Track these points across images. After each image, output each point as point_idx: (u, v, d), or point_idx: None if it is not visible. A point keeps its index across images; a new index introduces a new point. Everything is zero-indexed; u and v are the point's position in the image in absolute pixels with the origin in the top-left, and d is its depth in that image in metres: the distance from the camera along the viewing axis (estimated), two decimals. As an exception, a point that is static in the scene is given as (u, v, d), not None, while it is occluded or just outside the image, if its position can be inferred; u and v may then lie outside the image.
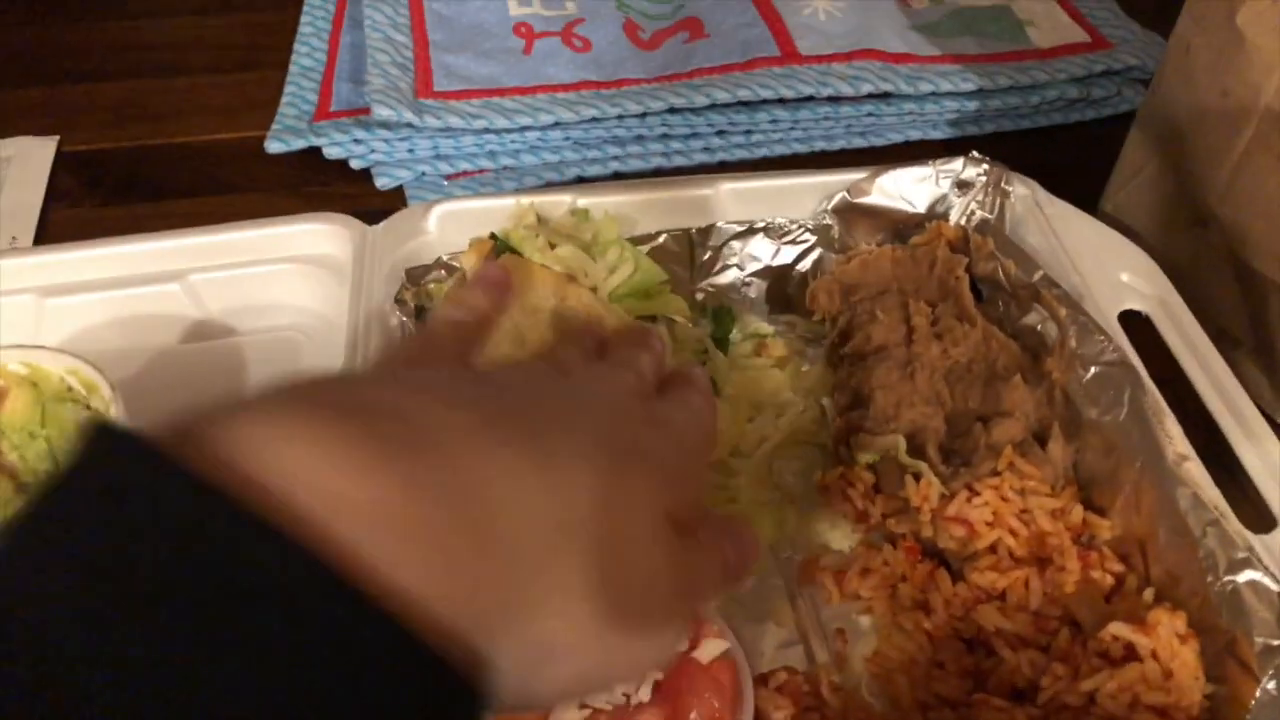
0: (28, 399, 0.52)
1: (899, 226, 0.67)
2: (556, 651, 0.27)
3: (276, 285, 0.66)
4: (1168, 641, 0.45)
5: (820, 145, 0.80)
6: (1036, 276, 0.60)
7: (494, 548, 0.26)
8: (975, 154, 0.67)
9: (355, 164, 0.78)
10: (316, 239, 0.66)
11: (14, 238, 0.76)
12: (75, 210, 0.79)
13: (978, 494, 0.53)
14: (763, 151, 0.80)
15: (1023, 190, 0.66)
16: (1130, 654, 0.45)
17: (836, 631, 0.54)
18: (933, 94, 0.79)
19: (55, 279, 0.66)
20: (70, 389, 0.53)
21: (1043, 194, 0.66)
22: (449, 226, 0.65)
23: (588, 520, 0.28)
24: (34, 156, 0.82)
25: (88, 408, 0.52)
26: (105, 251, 0.67)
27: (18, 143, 0.83)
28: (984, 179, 0.66)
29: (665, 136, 0.78)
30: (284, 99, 0.83)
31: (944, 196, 0.66)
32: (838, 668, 0.52)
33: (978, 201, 0.66)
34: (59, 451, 0.52)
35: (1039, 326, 0.59)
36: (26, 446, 0.51)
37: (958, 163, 0.66)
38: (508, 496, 0.26)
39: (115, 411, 0.51)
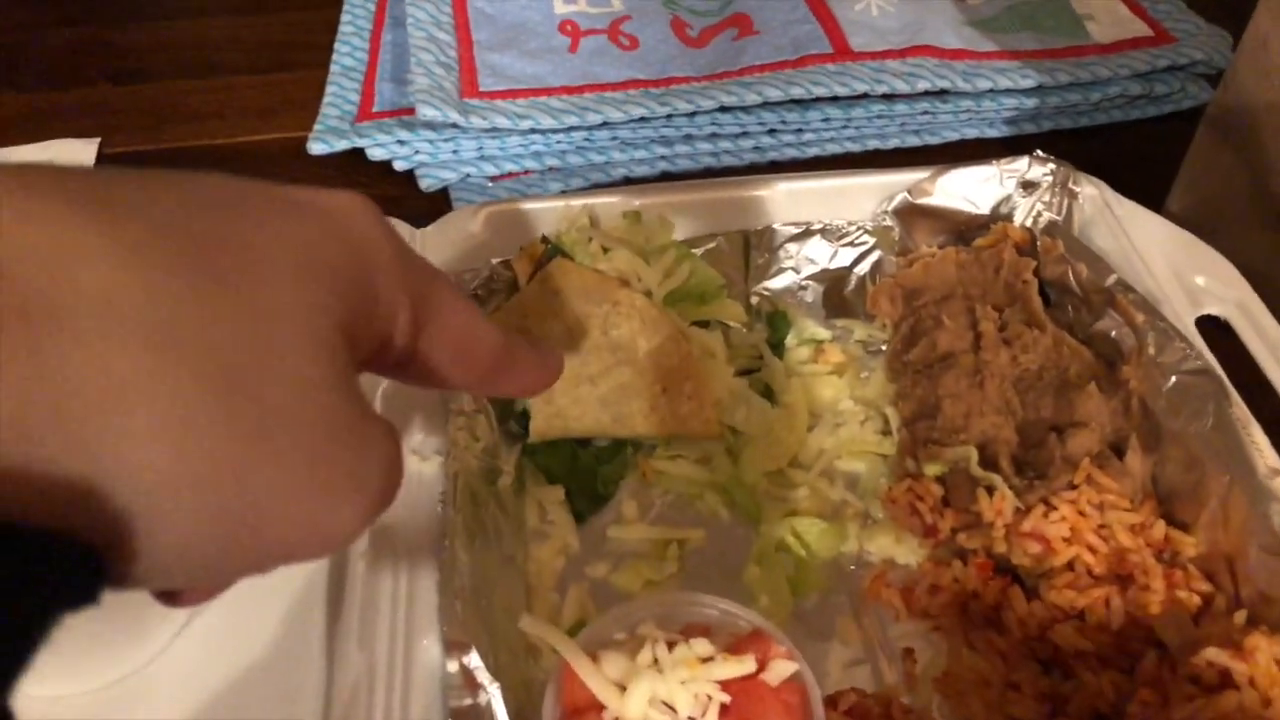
0: None
1: (961, 228, 0.64)
2: (163, 482, 0.23)
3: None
4: (1266, 668, 0.42)
5: (874, 144, 0.78)
6: (1110, 281, 0.57)
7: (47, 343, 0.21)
8: (1040, 153, 0.64)
9: (399, 165, 0.76)
10: (363, 242, 0.64)
11: (55, 241, 0.75)
12: (116, 213, 0.78)
13: (1054, 508, 0.50)
14: (814, 150, 0.77)
15: (1091, 190, 0.63)
16: (1225, 681, 0.43)
17: (905, 650, 0.52)
18: (990, 91, 0.77)
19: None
20: None
21: (1111, 194, 0.64)
22: (499, 229, 0.63)
23: (189, 319, 0.24)
24: (76, 159, 0.81)
25: None
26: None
27: (59, 145, 0.82)
28: (1050, 179, 0.63)
29: (714, 136, 0.76)
30: (326, 99, 0.81)
31: (1008, 197, 0.64)
32: (907, 688, 0.50)
33: (1044, 202, 0.63)
34: None
35: (1113, 333, 0.57)
36: None
37: (1022, 162, 0.64)
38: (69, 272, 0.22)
39: None
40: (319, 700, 0.49)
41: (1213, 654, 0.43)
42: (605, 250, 0.60)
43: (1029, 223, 0.63)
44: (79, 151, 0.82)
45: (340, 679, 0.48)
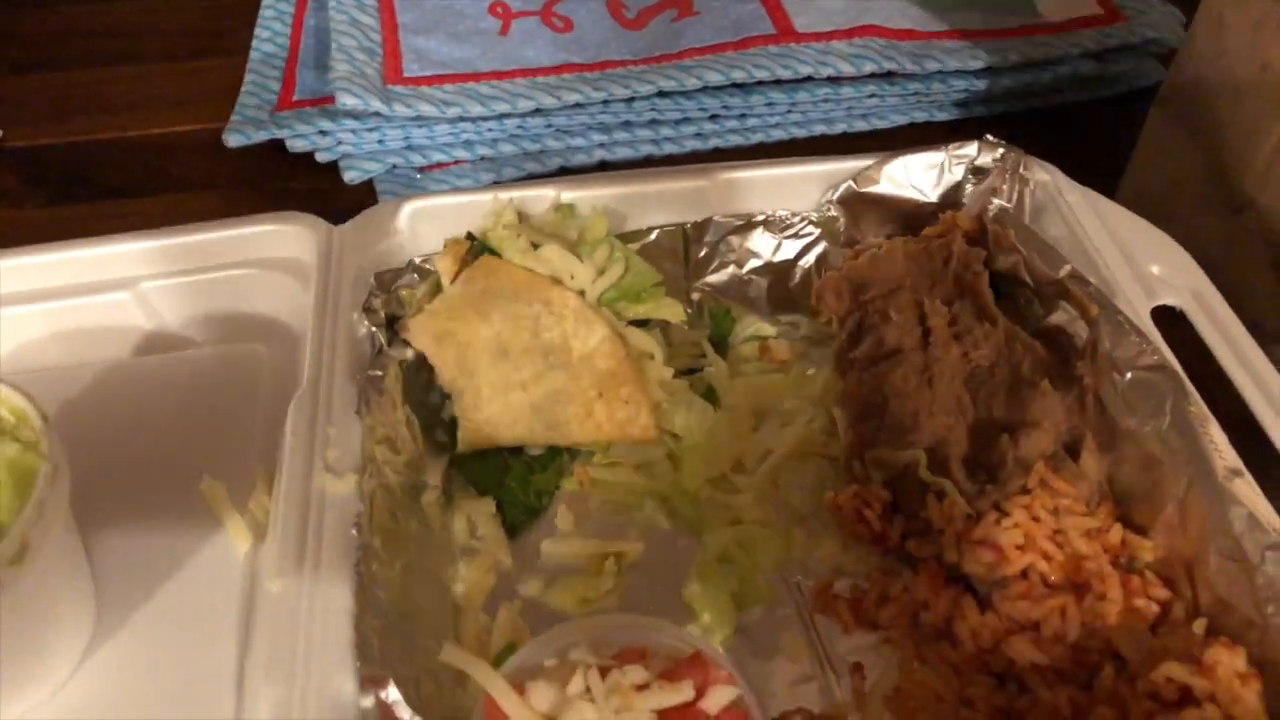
0: None
1: (909, 218, 0.62)
2: None
3: (235, 292, 0.61)
4: (1228, 683, 0.40)
5: (820, 129, 0.75)
6: (1063, 271, 0.55)
7: None
8: (990, 137, 0.62)
9: (321, 157, 0.72)
10: (279, 241, 0.60)
11: (-48, 243, 0.70)
12: (17, 211, 0.74)
13: (1006, 515, 0.48)
14: (758, 137, 0.74)
15: (1043, 176, 0.61)
16: (1186, 697, 0.41)
17: (853, 666, 0.49)
18: (939, 73, 0.74)
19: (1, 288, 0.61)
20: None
21: (1064, 180, 0.61)
22: (422, 225, 0.60)
23: None
24: (-26, 153, 0.77)
25: (15, 439, 0.46)
26: (49, 258, 0.61)
27: (-45, 139, 0.78)
28: (1001, 164, 0.61)
29: (654, 122, 0.73)
30: (244, 88, 0.77)
31: (958, 184, 0.62)
32: (856, 707, 0.48)
33: (994, 189, 0.61)
34: None
35: (1067, 326, 0.54)
36: None
37: (972, 147, 0.61)
38: None
39: (47, 443, 0.46)
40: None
41: (1172, 669, 0.41)
42: (535, 246, 0.57)
43: (979, 211, 0.61)
44: (-21, 145, 0.77)
45: (250, 715, 0.45)
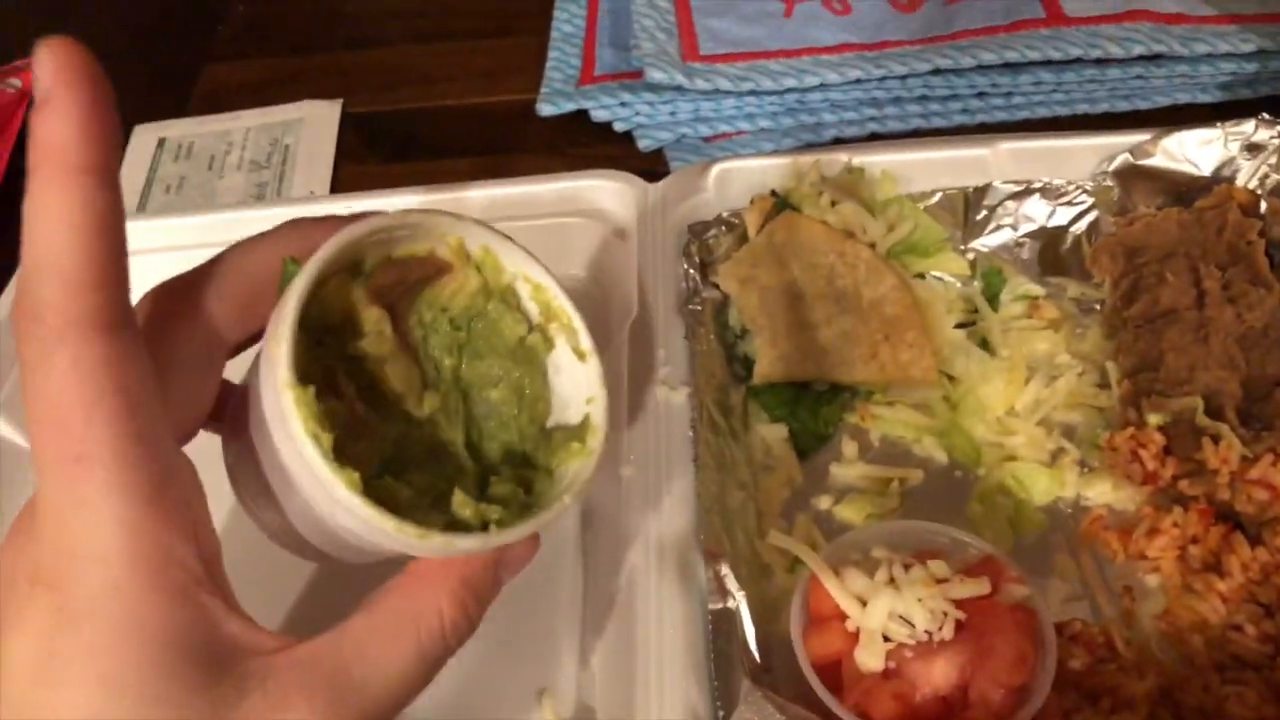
0: (471, 287, 0.42)
1: (1181, 190, 0.65)
2: None
3: (562, 238, 0.70)
4: None
5: (1083, 108, 0.79)
6: (1343, 241, 0.58)
7: None
8: (1266, 115, 0.65)
9: (619, 126, 0.81)
10: (601, 195, 0.70)
11: (311, 190, 0.83)
12: (361, 166, 0.86)
13: (1282, 458, 0.52)
14: (1023, 114, 0.79)
15: (1321, 153, 0.63)
16: None
17: (1124, 588, 0.54)
18: (1208, 55, 0.77)
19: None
20: (517, 296, 0.43)
21: (1342, 157, 0.64)
22: (727, 184, 0.67)
23: None
24: (322, 118, 0.90)
25: (531, 327, 0.43)
26: (400, 200, 0.72)
27: (307, 105, 0.91)
28: (1278, 141, 0.64)
29: (924, 98, 0.79)
30: (549, 64, 0.87)
31: (1231, 160, 0.65)
32: (1127, 624, 0.53)
33: (1270, 164, 0.64)
34: (474, 355, 0.42)
35: (1344, 293, 0.57)
36: (438, 334, 0.42)
37: (1248, 125, 0.64)
38: None
39: (585, 343, 0.43)
40: (578, 597, 0.55)
41: None
42: (833, 204, 0.64)
43: (1254, 185, 0.64)
44: (325, 111, 0.90)
45: (596, 578, 0.54)
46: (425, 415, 0.40)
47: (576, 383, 0.43)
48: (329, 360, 0.38)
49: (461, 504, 0.38)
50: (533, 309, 0.44)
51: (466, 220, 0.41)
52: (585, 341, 0.43)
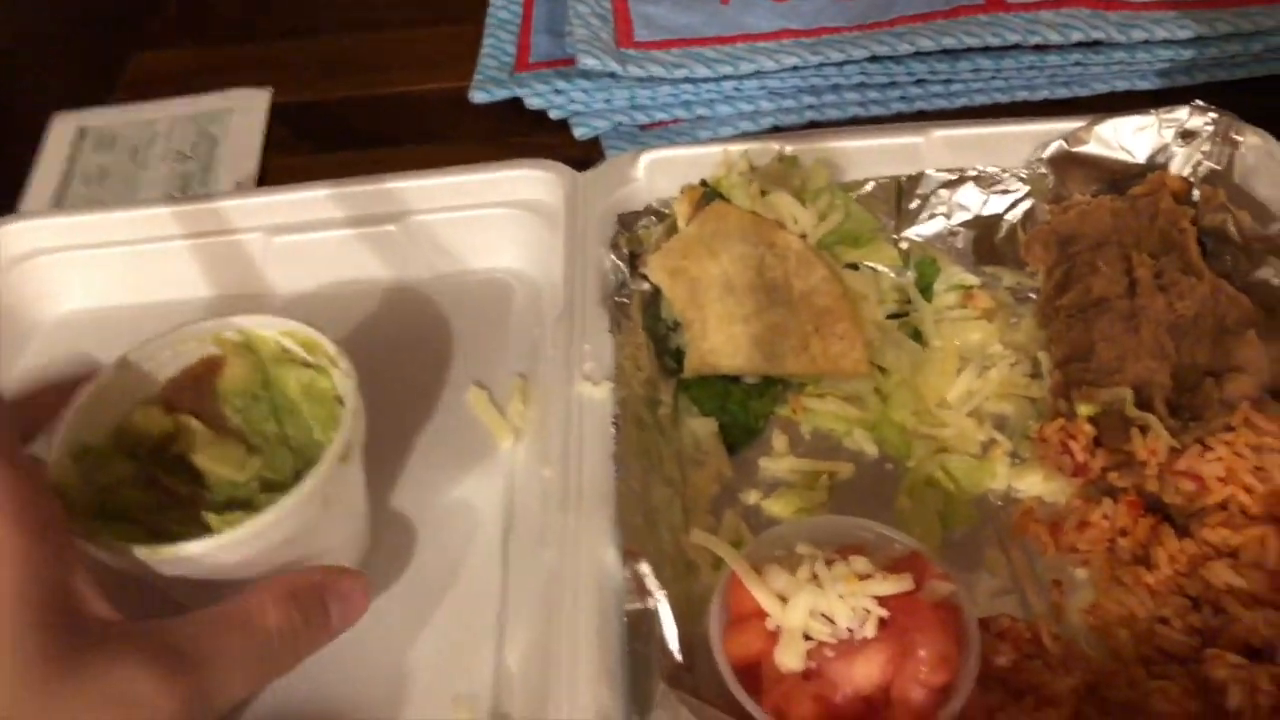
0: (246, 365, 0.53)
1: (1116, 177, 0.65)
2: None
3: (490, 229, 0.69)
4: None
5: (1022, 95, 0.78)
6: (1273, 228, 0.57)
7: None
8: (1200, 103, 0.64)
9: (554, 114, 0.80)
10: (530, 185, 0.68)
11: (237, 182, 0.81)
12: (291, 158, 0.84)
13: (1210, 449, 0.51)
14: (962, 101, 0.78)
15: (1255, 140, 0.63)
16: (1387, 617, 0.44)
17: (1053, 582, 0.53)
18: (1145, 42, 0.76)
19: (281, 219, 0.70)
20: (287, 350, 0.54)
21: (1276, 144, 0.63)
22: (658, 174, 0.66)
23: None
24: (250, 108, 0.87)
25: (307, 365, 0.53)
26: (327, 193, 0.70)
27: (235, 94, 0.88)
28: (1211, 128, 0.63)
29: (862, 85, 0.78)
30: (484, 51, 0.85)
31: (1165, 147, 0.64)
32: (1055, 618, 0.52)
33: (1203, 152, 0.63)
34: (281, 411, 0.53)
35: (1274, 280, 0.57)
36: (250, 409, 0.53)
37: (1182, 111, 0.64)
38: None
39: (342, 366, 0.52)
40: (496, 600, 0.53)
41: (1376, 591, 0.44)
42: (763, 193, 0.63)
43: (1187, 172, 0.63)
44: (254, 101, 0.88)
45: (516, 580, 0.52)
46: (245, 479, 0.51)
47: (346, 392, 0.51)
48: (150, 468, 0.51)
49: (213, 521, 0.47)
50: (300, 352, 0.54)
51: (210, 320, 0.54)
52: (330, 349, 0.52)
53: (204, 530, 0.46)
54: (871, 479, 0.59)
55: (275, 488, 0.50)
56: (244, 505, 0.50)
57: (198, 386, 0.53)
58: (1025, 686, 0.48)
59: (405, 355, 0.66)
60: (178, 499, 0.50)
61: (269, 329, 0.54)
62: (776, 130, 0.77)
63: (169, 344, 0.53)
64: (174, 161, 0.83)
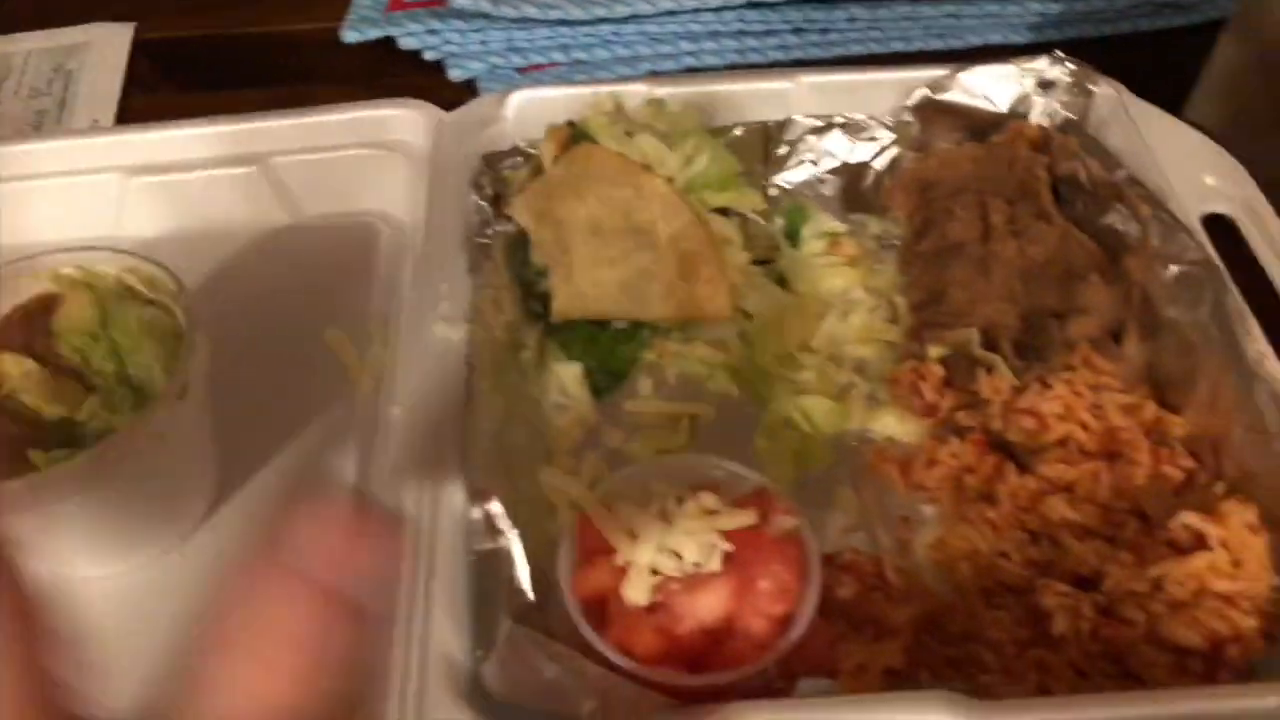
0: (83, 301, 0.52)
1: (979, 126, 0.66)
2: None
3: (356, 170, 0.67)
4: (1238, 531, 0.45)
5: (897, 46, 0.79)
6: (1119, 175, 0.59)
7: None
8: (1059, 53, 0.65)
9: (429, 55, 0.78)
10: (394, 124, 0.66)
11: (95, 120, 0.78)
12: (153, 96, 0.81)
13: (1049, 387, 0.53)
14: (838, 51, 0.79)
15: (1108, 91, 0.64)
16: (1199, 544, 0.46)
17: (901, 519, 0.54)
18: (1016, -6, 0.78)
19: (138, 159, 0.68)
20: (130, 288, 0.53)
21: (1128, 96, 0.65)
22: (526, 115, 0.65)
23: None
24: (112, 43, 0.84)
25: (150, 303, 0.52)
26: (187, 133, 0.68)
27: (95, 28, 0.85)
28: (1068, 79, 0.65)
29: (741, 33, 0.78)
30: (358, -10, 0.83)
31: (1026, 96, 0.65)
32: (901, 553, 0.53)
33: (1061, 102, 0.65)
34: (121, 349, 0.51)
35: (1119, 226, 0.58)
36: (90, 349, 0.51)
37: (1041, 61, 0.65)
38: None
39: (181, 304, 0.51)
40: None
41: (1188, 517, 0.46)
42: (629, 135, 0.62)
43: (1045, 121, 0.64)
44: (115, 35, 0.84)
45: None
46: (83, 419, 0.49)
47: (186, 328, 0.50)
48: None
49: (38, 459, 0.46)
50: (142, 289, 0.52)
51: (47, 253, 0.52)
52: (172, 285, 0.51)
53: (30, 470, 0.44)
54: (733, 420, 0.59)
55: (117, 428, 0.49)
56: (79, 445, 0.48)
57: (31, 324, 0.52)
58: (866, 617, 0.49)
59: (267, 299, 0.64)
60: (7, 439, 0.48)
61: (109, 265, 0.53)
62: (654, 75, 0.77)
63: (0, 281, 0.51)
64: (28, 98, 0.79)
